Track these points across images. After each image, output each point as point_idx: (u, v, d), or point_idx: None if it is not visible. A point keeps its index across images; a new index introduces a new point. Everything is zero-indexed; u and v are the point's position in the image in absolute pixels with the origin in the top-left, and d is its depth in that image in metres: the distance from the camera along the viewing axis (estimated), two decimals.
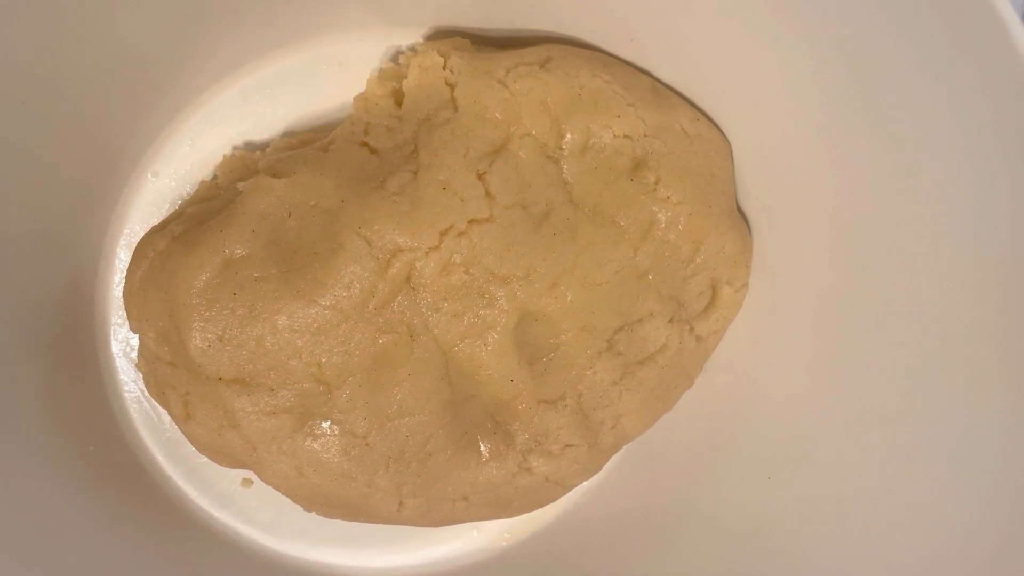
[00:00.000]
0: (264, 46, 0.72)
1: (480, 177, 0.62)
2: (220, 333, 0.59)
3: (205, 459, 0.68)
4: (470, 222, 0.61)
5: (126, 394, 0.74)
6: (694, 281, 0.68)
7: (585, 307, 0.64)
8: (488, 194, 0.62)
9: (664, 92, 0.67)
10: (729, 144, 0.69)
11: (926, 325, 0.57)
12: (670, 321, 0.67)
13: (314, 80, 0.73)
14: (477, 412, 0.65)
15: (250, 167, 0.69)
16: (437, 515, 0.67)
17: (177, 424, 0.65)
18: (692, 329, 0.69)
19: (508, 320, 0.62)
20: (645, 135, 0.65)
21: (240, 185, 0.62)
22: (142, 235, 0.66)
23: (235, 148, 0.74)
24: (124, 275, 0.66)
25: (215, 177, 0.73)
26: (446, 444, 0.64)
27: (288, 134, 0.73)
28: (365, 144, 0.65)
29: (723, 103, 0.67)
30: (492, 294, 0.62)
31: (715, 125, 0.68)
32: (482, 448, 0.66)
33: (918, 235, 0.56)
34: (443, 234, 0.60)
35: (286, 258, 0.60)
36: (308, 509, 0.67)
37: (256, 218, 0.60)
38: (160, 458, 0.75)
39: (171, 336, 0.61)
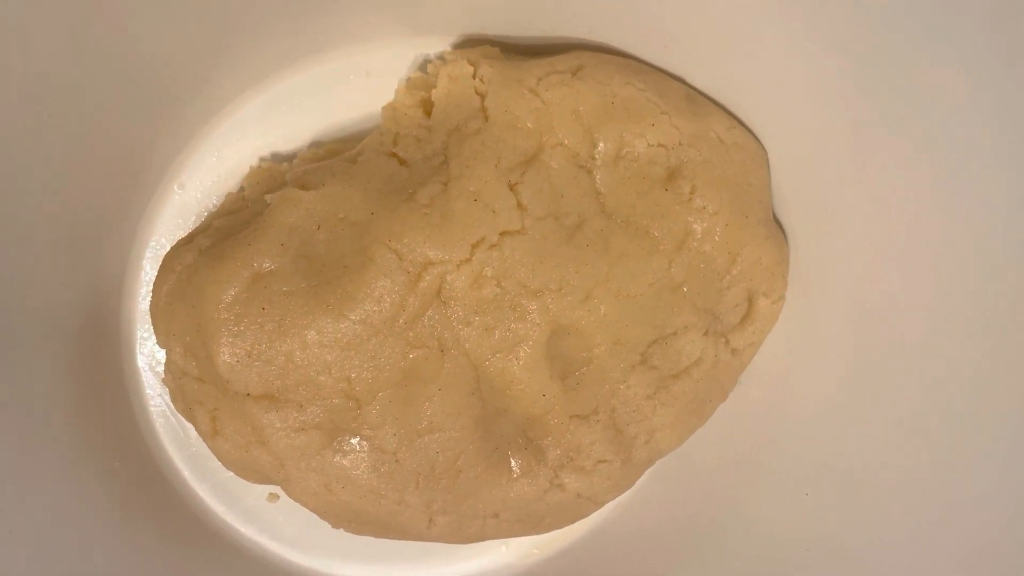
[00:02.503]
0: (290, 56, 0.71)
1: (512, 188, 0.61)
2: (249, 348, 0.58)
3: (231, 474, 0.67)
4: (502, 234, 0.60)
5: (152, 409, 0.74)
6: (730, 293, 0.66)
7: (619, 320, 0.62)
8: (520, 205, 0.60)
9: (699, 99, 0.66)
10: (765, 152, 0.67)
11: (970, 339, 0.55)
12: (705, 334, 0.66)
13: (341, 90, 0.72)
14: (508, 427, 0.64)
15: (277, 179, 0.68)
16: (467, 532, 0.66)
17: (204, 440, 0.64)
18: (727, 342, 0.67)
19: (540, 334, 0.61)
20: (680, 144, 0.63)
21: (268, 197, 0.62)
22: (168, 248, 0.65)
23: (262, 160, 0.73)
24: (150, 289, 0.65)
25: (242, 189, 0.72)
26: (477, 460, 0.63)
27: (315, 145, 0.73)
28: (394, 155, 0.63)
29: (759, 110, 0.66)
30: (524, 307, 0.60)
31: (751, 133, 0.67)
32: (513, 464, 0.64)
33: (962, 245, 0.54)
34: (474, 246, 0.59)
35: (315, 272, 0.59)
36: (336, 526, 0.66)
37: (285, 231, 0.59)
38: (186, 473, 0.74)
39: (199, 351, 0.60)
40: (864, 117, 0.57)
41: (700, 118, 0.64)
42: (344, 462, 0.61)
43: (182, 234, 0.69)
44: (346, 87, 0.72)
